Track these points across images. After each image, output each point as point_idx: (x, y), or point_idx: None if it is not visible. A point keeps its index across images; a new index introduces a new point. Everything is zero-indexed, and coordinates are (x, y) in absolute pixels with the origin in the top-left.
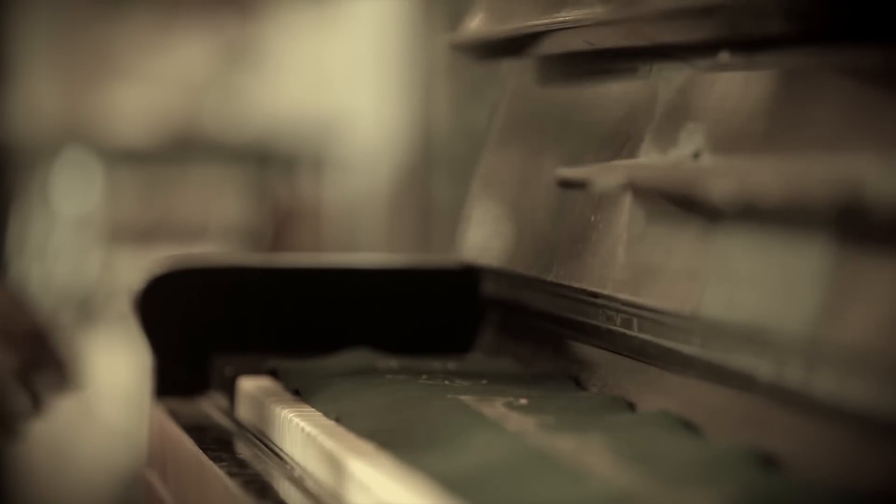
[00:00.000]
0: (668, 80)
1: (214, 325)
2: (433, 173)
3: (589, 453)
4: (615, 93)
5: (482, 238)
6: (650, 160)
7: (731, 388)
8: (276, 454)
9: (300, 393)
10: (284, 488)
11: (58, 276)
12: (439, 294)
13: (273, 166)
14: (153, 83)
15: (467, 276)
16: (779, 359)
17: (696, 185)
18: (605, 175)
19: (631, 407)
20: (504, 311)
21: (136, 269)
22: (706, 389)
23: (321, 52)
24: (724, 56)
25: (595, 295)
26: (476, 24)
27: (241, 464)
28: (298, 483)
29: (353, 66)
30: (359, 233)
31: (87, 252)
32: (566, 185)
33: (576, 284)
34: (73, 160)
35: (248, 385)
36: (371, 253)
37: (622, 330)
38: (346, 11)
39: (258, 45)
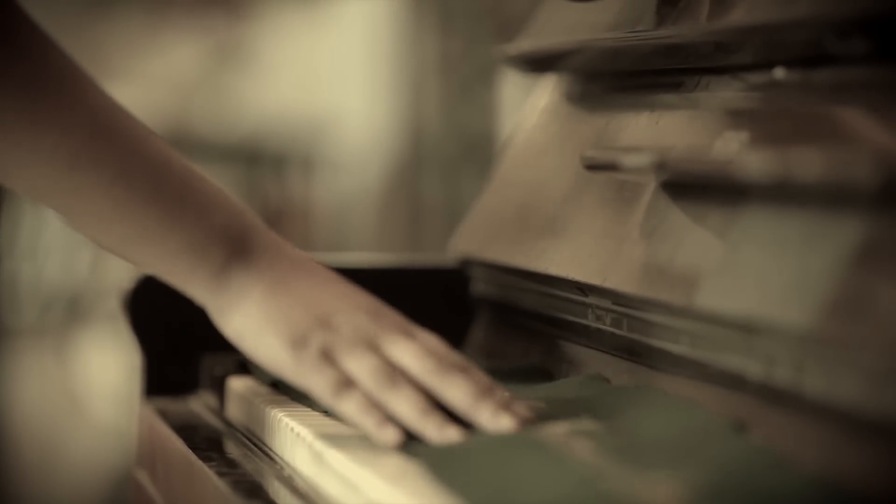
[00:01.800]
0: (711, 93)
1: (204, 325)
2: (423, 173)
3: (570, 436)
4: (654, 104)
5: (482, 234)
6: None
7: (728, 387)
8: (266, 454)
9: (278, 387)
10: (274, 488)
11: (48, 275)
12: (430, 293)
13: (263, 166)
14: (143, 83)
15: (458, 275)
16: (773, 357)
17: (727, 165)
18: (633, 156)
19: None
20: (494, 310)
21: (125, 268)
22: (697, 389)
23: (311, 52)
24: (778, 72)
25: (590, 291)
26: (529, 40)
27: (231, 463)
28: (288, 482)
29: (343, 66)
30: (349, 232)
31: (77, 251)
32: (592, 167)
33: (571, 277)
34: None
35: (238, 384)
36: (361, 252)
37: (612, 329)
38: (336, 11)
39: (248, 44)
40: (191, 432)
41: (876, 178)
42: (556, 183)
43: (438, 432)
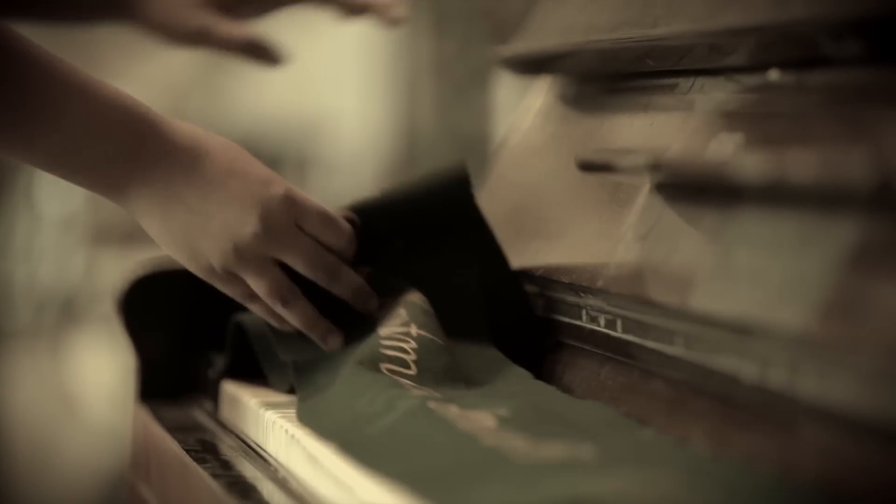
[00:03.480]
0: (706, 95)
1: (198, 327)
2: (417, 174)
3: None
4: (648, 106)
5: None
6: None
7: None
8: (260, 455)
9: (260, 359)
10: (268, 489)
11: (42, 277)
12: None
13: None
14: (138, 84)
15: None
16: (767, 359)
17: (721, 166)
18: (628, 158)
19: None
20: None
21: (120, 270)
22: (691, 390)
23: (305, 54)
24: (773, 73)
25: (584, 292)
26: (523, 42)
27: (225, 465)
28: (282, 484)
29: (338, 68)
30: None
31: (72, 253)
32: (587, 168)
33: (566, 279)
34: None
35: (232, 387)
36: None
37: (606, 331)
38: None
39: None
40: (185, 434)
41: (870, 180)
42: (550, 184)
43: (323, 342)
